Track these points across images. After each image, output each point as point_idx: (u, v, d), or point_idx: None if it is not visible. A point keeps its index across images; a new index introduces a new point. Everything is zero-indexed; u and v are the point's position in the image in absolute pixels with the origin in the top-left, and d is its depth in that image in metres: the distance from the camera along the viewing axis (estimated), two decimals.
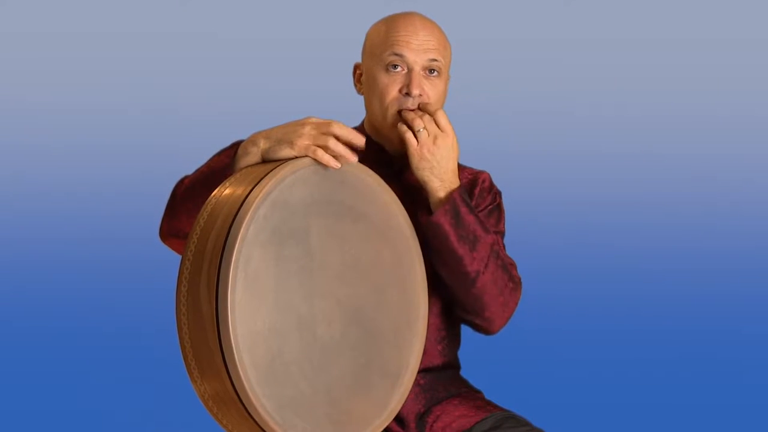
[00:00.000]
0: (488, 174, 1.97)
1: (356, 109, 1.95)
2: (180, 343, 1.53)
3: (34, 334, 3.13)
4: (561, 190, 3.37)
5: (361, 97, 1.93)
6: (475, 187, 1.93)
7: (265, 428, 1.49)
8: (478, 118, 3.26)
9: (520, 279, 1.90)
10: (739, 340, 3.23)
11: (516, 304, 1.88)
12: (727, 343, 3.22)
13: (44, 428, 2.93)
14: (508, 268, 1.85)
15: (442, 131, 1.79)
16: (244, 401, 1.47)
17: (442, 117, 1.80)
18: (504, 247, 1.94)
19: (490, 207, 1.93)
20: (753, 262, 3.35)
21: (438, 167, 1.79)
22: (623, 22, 3.44)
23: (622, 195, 3.39)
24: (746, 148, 3.43)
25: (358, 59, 1.94)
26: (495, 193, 1.95)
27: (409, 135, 1.79)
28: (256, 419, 1.48)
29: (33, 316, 3.16)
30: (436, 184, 1.79)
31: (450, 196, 1.79)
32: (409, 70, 1.84)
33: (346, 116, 1.86)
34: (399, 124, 1.80)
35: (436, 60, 1.84)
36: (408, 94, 1.82)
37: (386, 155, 1.90)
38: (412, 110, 1.81)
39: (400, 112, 1.82)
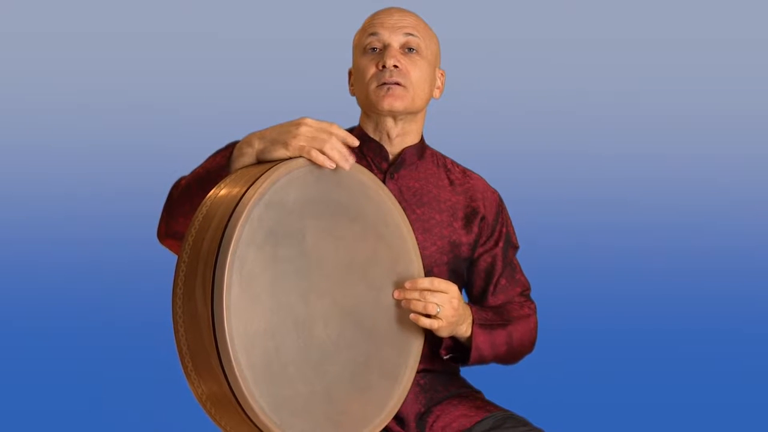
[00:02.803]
0: (497, 194, 1.99)
1: (354, 109, 1.95)
2: (176, 345, 1.52)
3: (34, 334, 3.12)
4: (561, 190, 3.37)
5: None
6: (481, 212, 1.94)
7: (263, 429, 1.49)
8: (478, 117, 3.27)
9: (535, 307, 1.98)
10: (739, 340, 3.22)
11: (536, 336, 1.98)
12: (727, 343, 3.22)
13: (44, 428, 2.93)
14: (530, 327, 1.94)
15: (444, 292, 1.70)
16: (241, 402, 1.47)
17: (434, 282, 1.70)
18: (518, 264, 1.99)
19: (504, 232, 1.96)
20: (753, 262, 3.34)
21: (463, 316, 1.78)
22: (623, 22, 3.44)
23: (622, 195, 3.38)
24: (746, 148, 3.43)
25: None
26: (503, 220, 1.98)
27: (431, 322, 1.70)
28: (254, 420, 1.48)
29: (33, 316, 3.16)
30: (462, 329, 1.80)
31: (473, 339, 1.82)
32: (385, 47, 1.84)
33: (344, 117, 1.86)
34: (414, 317, 1.68)
35: (412, 35, 1.84)
36: (384, 66, 1.82)
37: (383, 152, 1.89)
38: (413, 299, 1.68)
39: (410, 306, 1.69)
